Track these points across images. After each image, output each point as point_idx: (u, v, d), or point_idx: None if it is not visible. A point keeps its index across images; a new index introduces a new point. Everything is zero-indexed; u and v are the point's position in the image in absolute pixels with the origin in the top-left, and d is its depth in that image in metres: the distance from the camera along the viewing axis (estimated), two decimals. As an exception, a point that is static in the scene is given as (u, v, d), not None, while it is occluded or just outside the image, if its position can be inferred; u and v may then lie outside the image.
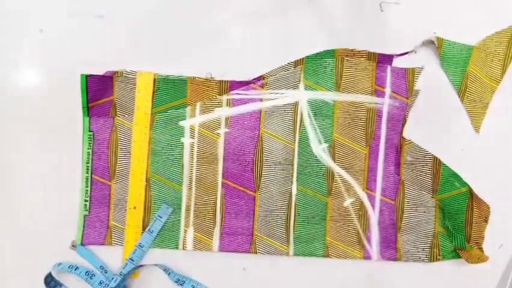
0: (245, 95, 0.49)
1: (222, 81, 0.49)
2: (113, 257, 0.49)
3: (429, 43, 0.50)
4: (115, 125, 0.49)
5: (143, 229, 0.49)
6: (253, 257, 0.50)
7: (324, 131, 0.49)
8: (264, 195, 0.50)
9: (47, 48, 0.50)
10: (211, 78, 0.50)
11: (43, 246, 0.49)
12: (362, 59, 0.49)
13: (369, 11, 0.50)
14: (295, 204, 0.49)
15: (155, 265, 0.49)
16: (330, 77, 0.49)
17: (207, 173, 0.50)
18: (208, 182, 0.50)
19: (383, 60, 0.49)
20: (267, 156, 0.49)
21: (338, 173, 0.49)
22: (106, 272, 0.48)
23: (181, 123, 0.50)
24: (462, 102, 0.50)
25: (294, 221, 0.49)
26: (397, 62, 0.50)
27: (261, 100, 0.49)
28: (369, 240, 0.50)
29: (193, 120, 0.49)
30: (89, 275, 0.48)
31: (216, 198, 0.50)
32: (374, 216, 0.50)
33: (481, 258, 0.48)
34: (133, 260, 0.48)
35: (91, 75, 0.48)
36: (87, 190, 0.49)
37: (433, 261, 0.49)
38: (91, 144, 0.49)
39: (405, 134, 0.50)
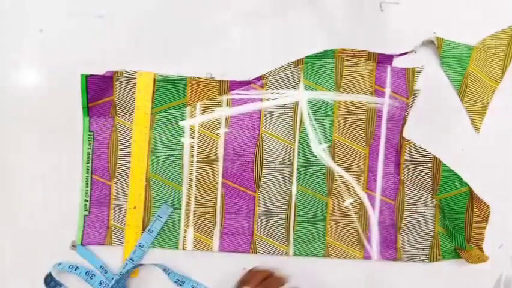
0: (245, 95, 0.49)
1: (222, 81, 0.49)
2: (113, 257, 0.49)
3: (429, 43, 0.50)
4: (115, 125, 0.49)
5: (143, 229, 0.49)
6: (253, 257, 0.50)
7: (324, 131, 0.49)
8: (264, 195, 0.50)
9: (47, 48, 0.50)
10: (211, 78, 0.50)
11: (43, 246, 0.49)
12: (362, 59, 0.49)
13: (369, 11, 0.50)
14: (295, 204, 0.49)
15: (155, 265, 0.49)
16: (330, 77, 0.49)
17: (207, 173, 0.50)
18: (208, 182, 0.50)
19: (383, 60, 0.49)
20: (267, 156, 0.49)
21: (338, 173, 0.49)
22: (106, 272, 0.48)
23: (181, 123, 0.50)
24: (462, 102, 0.50)
25: (294, 221, 0.49)
26: (397, 62, 0.50)
27: (261, 100, 0.49)
28: (369, 240, 0.50)
29: (193, 120, 0.49)
30: (89, 275, 0.48)
31: (216, 198, 0.50)
32: (374, 216, 0.50)
33: (481, 258, 0.48)
34: (133, 260, 0.48)
35: (91, 75, 0.48)
36: (87, 190, 0.49)
37: (433, 261, 0.49)
38: (91, 144, 0.49)
39: (405, 134, 0.50)
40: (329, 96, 0.49)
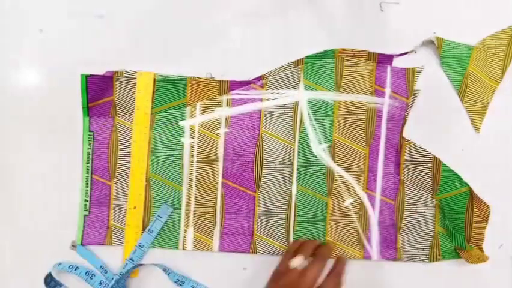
0: (245, 95, 0.49)
1: (222, 81, 0.49)
2: (113, 257, 0.49)
3: (429, 43, 0.50)
4: (115, 125, 0.49)
5: (143, 229, 0.49)
6: (253, 257, 0.50)
7: (324, 131, 0.49)
8: (264, 195, 0.50)
9: (47, 48, 0.50)
10: (211, 78, 0.50)
11: (43, 246, 0.49)
12: (362, 59, 0.49)
13: (369, 11, 0.50)
14: (295, 204, 0.49)
15: (155, 265, 0.49)
16: (330, 77, 0.49)
17: (207, 173, 0.50)
18: (208, 182, 0.50)
19: (383, 60, 0.49)
20: (267, 156, 0.49)
21: (338, 173, 0.49)
22: (106, 272, 0.48)
23: (181, 123, 0.50)
24: (462, 102, 0.50)
25: (294, 221, 0.49)
26: (397, 62, 0.50)
27: (261, 100, 0.49)
28: (369, 240, 0.49)
29: (193, 120, 0.49)
30: (89, 275, 0.48)
31: (216, 198, 0.50)
32: (374, 216, 0.50)
33: (481, 258, 0.48)
34: (133, 260, 0.48)
35: (91, 75, 0.48)
36: (87, 190, 0.49)
37: (433, 261, 0.49)
38: (91, 144, 0.49)
39: (405, 134, 0.50)
40: (329, 96, 0.49)
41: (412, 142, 0.49)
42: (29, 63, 0.50)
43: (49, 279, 0.48)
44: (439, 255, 0.49)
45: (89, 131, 0.49)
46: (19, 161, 0.50)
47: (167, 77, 0.49)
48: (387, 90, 0.49)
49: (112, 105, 0.49)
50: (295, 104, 0.49)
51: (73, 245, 0.49)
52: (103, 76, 0.49)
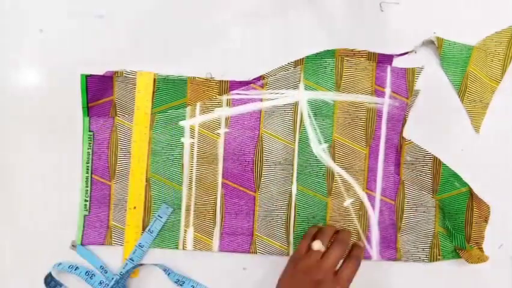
0: (245, 95, 0.49)
1: (222, 81, 0.49)
2: (113, 257, 0.49)
3: (429, 43, 0.50)
4: (115, 125, 0.49)
5: (143, 229, 0.49)
6: (253, 257, 0.50)
7: (324, 131, 0.49)
8: (264, 195, 0.50)
9: (47, 48, 0.50)
10: (211, 78, 0.50)
11: (43, 246, 0.49)
12: (362, 59, 0.49)
13: (369, 11, 0.50)
14: (295, 204, 0.49)
15: (155, 265, 0.49)
16: (330, 77, 0.49)
17: (207, 173, 0.50)
18: (208, 182, 0.50)
19: (383, 60, 0.49)
20: (267, 156, 0.49)
21: (338, 173, 0.49)
22: (106, 272, 0.48)
23: (181, 123, 0.50)
24: (462, 102, 0.50)
25: (294, 221, 0.49)
26: (397, 62, 0.50)
27: (261, 100, 0.49)
28: (369, 240, 0.50)
29: (193, 120, 0.49)
30: (89, 275, 0.48)
31: (216, 198, 0.50)
32: (374, 216, 0.50)
33: (481, 258, 0.48)
34: (133, 260, 0.48)
35: (91, 75, 0.48)
36: (87, 190, 0.49)
37: (433, 261, 0.49)
38: (91, 144, 0.49)
39: (405, 134, 0.50)
40: (329, 96, 0.49)
41: (412, 142, 0.49)
42: (29, 63, 0.50)
43: (49, 279, 0.48)
44: (439, 255, 0.49)
45: (89, 131, 0.49)
46: (19, 161, 0.50)
47: (167, 77, 0.49)
48: (387, 90, 0.49)
49: (112, 105, 0.49)
50: (295, 104, 0.49)
51: (73, 245, 0.49)
52: (103, 76, 0.49)
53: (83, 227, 0.49)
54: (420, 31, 0.49)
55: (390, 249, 0.49)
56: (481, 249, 0.49)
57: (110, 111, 0.49)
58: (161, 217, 0.49)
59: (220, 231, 0.50)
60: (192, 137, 0.49)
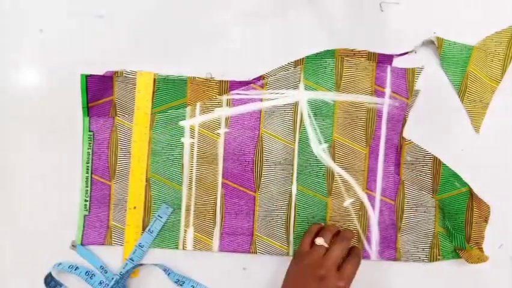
0: (245, 95, 0.49)
1: (222, 81, 0.49)
2: (113, 257, 0.49)
3: (429, 43, 0.50)
4: (115, 125, 0.49)
5: (143, 229, 0.49)
6: (253, 257, 0.50)
7: (324, 131, 0.49)
8: (264, 195, 0.50)
9: (47, 48, 0.50)
10: (211, 78, 0.50)
11: (43, 246, 0.49)
12: (362, 59, 0.49)
13: (369, 11, 0.50)
14: (295, 204, 0.49)
15: (155, 265, 0.49)
16: (330, 77, 0.49)
17: (207, 173, 0.50)
18: (208, 182, 0.50)
19: (383, 60, 0.49)
20: (267, 156, 0.49)
21: (338, 173, 0.49)
22: (106, 272, 0.48)
23: (181, 123, 0.50)
24: (462, 102, 0.50)
25: (294, 221, 0.49)
26: (397, 62, 0.50)
27: (261, 100, 0.49)
28: (369, 240, 0.49)
29: (193, 120, 0.49)
30: (89, 275, 0.48)
31: (216, 198, 0.50)
32: (374, 217, 0.50)
33: (481, 258, 0.48)
34: (133, 260, 0.48)
35: (91, 75, 0.48)
36: (87, 190, 0.49)
37: (433, 261, 0.49)
38: (91, 144, 0.49)
39: (405, 134, 0.50)
40: (329, 96, 0.49)
41: (412, 142, 0.49)
42: (29, 63, 0.50)
43: (49, 279, 0.48)
44: (439, 255, 0.49)
45: (89, 131, 0.49)
46: (19, 161, 0.50)
47: (167, 77, 0.49)
48: (387, 91, 0.49)
49: (112, 105, 0.49)
50: (295, 104, 0.49)
51: (73, 245, 0.49)
52: (103, 76, 0.49)
53: (83, 227, 0.49)
54: (420, 31, 0.49)
55: (390, 249, 0.49)
56: (481, 249, 0.49)
57: (110, 111, 0.49)
58: (161, 217, 0.49)
59: (220, 231, 0.50)
60: (192, 137, 0.49)
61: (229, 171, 0.49)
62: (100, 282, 0.48)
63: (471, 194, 0.48)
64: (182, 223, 0.50)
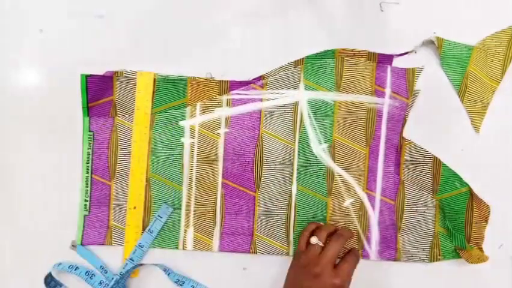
0: (245, 95, 0.49)
1: (222, 81, 0.49)
2: (113, 257, 0.49)
3: (429, 43, 0.50)
4: (115, 125, 0.49)
5: (143, 229, 0.49)
6: (253, 257, 0.50)
7: (324, 131, 0.49)
8: (264, 195, 0.50)
9: (47, 48, 0.50)
10: (211, 78, 0.50)
11: (43, 246, 0.49)
12: (362, 59, 0.49)
13: (369, 11, 0.50)
14: (295, 204, 0.49)
15: (155, 265, 0.49)
16: (330, 77, 0.49)
17: (207, 173, 0.50)
18: (208, 182, 0.50)
19: (383, 60, 0.49)
20: (267, 156, 0.49)
21: (338, 173, 0.49)
22: (106, 272, 0.48)
23: (181, 123, 0.50)
24: (462, 102, 0.50)
25: (294, 221, 0.49)
26: (397, 62, 0.50)
27: (261, 100, 0.49)
28: (369, 240, 0.49)
29: (193, 120, 0.49)
30: (89, 275, 0.48)
31: (216, 198, 0.50)
32: (374, 217, 0.50)
33: (481, 258, 0.48)
34: (133, 260, 0.48)
35: (91, 75, 0.48)
36: (87, 190, 0.49)
37: (433, 261, 0.49)
38: (91, 144, 0.49)
39: (405, 134, 0.50)
40: (329, 96, 0.49)
41: (412, 142, 0.49)
42: (29, 63, 0.50)
43: (49, 279, 0.48)
44: (439, 255, 0.49)
45: (89, 131, 0.49)
46: (19, 161, 0.50)
47: (167, 77, 0.49)
48: (388, 91, 0.49)
49: (112, 105, 0.49)
50: (295, 104, 0.49)
51: (73, 245, 0.49)
52: (103, 76, 0.49)
53: (83, 227, 0.49)
54: (420, 31, 0.49)
55: (390, 249, 0.49)
56: (481, 249, 0.49)
57: (110, 111, 0.49)
58: (161, 217, 0.49)
59: (220, 231, 0.50)
60: (192, 137, 0.49)
61: (229, 171, 0.49)
62: (100, 282, 0.48)
63: (471, 194, 0.48)
64: (183, 223, 0.50)
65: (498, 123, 0.50)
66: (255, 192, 0.50)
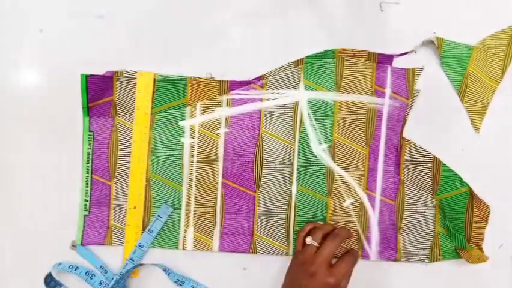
0: (245, 95, 0.49)
1: (222, 81, 0.49)
2: (113, 257, 0.49)
3: (429, 43, 0.50)
4: (115, 125, 0.49)
5: (143, 229, 0.49)
6: (253, 257, 0.50)
7: (324, 131, 0.49)
8: (264, 195, 0.50)
9: (47, 48, 0.50)
10: (211, 78, 0.50)
11: (43, 246, 0.49)
12: (362, 59, 0.49)
13: (369, 11, 0.50)
14: (295, 204, 0.49)
15: (155, 265, 0.49)
16: (330, 77, 0.49)
17: (207, 173, 0.50)
18: (208, 182, 0.50)
19: (383, 60, 0.49)
20: (267, 156, 0.49)
21: (338, 173, 0.49)
22: (106, 272, 0.48)
23: (181, 123, 0.50)
24: (462, 102, 0.50)
25: (294, 221, 0.49)
26: (397, 62, 0.50)
27: (261, 100, 0.49)
28: (368, 240, 0.49)
29: (193, 120, 0.49)
30: (89, 275, 0.48)
31: (216, 198, 0.50)
32: (374, 217, 0.50)
33: (481, 258, 0.48)
34: (133, 260, 0.48)
35: (91, 75, 0.48)
36: (87, 190, 0.49)
37: (433, 261, 0.49)
38: (91, 144, 0.49)
39: (405, 134, 0.50)
40: (329, 96, 0.49)
41: (412, 142, 0.49)
42: (29, 63, 0.50)
43: (49, 279, 0.48)
44: (439, 255, 0.49)
45: (89, 131, 0.49)
46: (19, 161, 0.50)
47: (167, 77, 0.49)
48: (388, 91, 0.49)
49: (112, 105, 0.49)
50: (296, 104, 0.49)
51: (73, 245, 0.49)
52: (103, 76, 0.49)
53: (83, 227, 0.49)
54: (420, 31, 0.49)
55: (390, 249, 0.49)
56: (481, 249, 0.49)
57: (110, 111, 0.49)
58: (161, 217, 0.49)
59: (220, 231, 0.50)
60: (192, 137, 0.49)
61: (229, 171, 0.49)
62: (100, 282, 0.48)
63: (471, 194, 0.48)
64: (182, 223, 0.50)
65: (498, 123, 0.50)
66: (255, 192, 0.50)
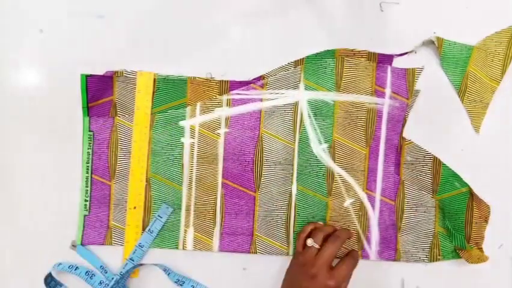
0: (245, 95, 0.49)
1: (222, 81, 0.49)
2: (113, 257, 0.49)
3: (429, 43, 0.50)
4: (115, 125, 0.49)
5: (143, 229, 0.49)
6: (253, 257, 0.50)
7: (324, 131, 0.49)
8: (264, 195, 0.50)
9: (47, 48, 0.50)
10: (211, 78, 0.50)
11: (43, 246, 0.49)
12: (362, 59, 0.49)
13: (369, 11, 0.50)
14: (295, 204, 0.49)
15: (155, 265, 0.49)
16: (330, 77, 0.49)
17: (207, 173, 0.50)
18: (208, 182, 0.50)
19: (383, 60, 0.49)
20: (267, 156, 0.49)
21: (338, 173, 0.49)
22: (106, 272, 0.48)
23: (181, 123, 0.50)
24: (462, 102, 0.50)
25: (294, 221, 0.49)
26: (397, 62, 0.50)
27: (261, 100, 0.49)
28: (368, 240, 0.49)
29: (193, 120, 0.49)
30: (89, 275, 0.48)
31: (216, 198, 0.50)
32: (374, 217, 0.50)
33: (481, 258, 0.48)
34: (133, 260, 0.48)
35: (91, 75, 0.48)
36: (87, 190, 0.49)
37: (433, 261, 0.49)
38: (91, 144, 0.49)
39: (405, 134, 0.50)
40: (329, 96, 0.49)
41: (412, 142, 0.49)
42: (29, 63, 0.50)
43: (49, 279, 0.48)
44: (439, 255, 0.49)
45: (89, 131, 0.49)
46: (19, 161, 0.50)
47: (167, 77, 0.49)
48: (388, 91, 0.49)
49: (112, 105, 0.49)
50: (296, 104, 0.49)
51: (73, 245, 0.49)
52: (103, 76, 0.49)
53: (83, 227, 0.49)
54: (420, 31, 0.49)
55: (390, 249, 0.49)
56: (480, 249, 0.49)
57: (110, 111, 0.49)
58: (161, 217, 0.49)
59: (220, 231, 0.50)
60: (192, 137, 0.49)
61: (229, 171, 0.49)
62: (100, 282, 0.48)
63: (471, 194, 0.48)
64: (182, 223, 0.50)
65: (498, 123, 0.50)
66: (255, 192, 0.50)
